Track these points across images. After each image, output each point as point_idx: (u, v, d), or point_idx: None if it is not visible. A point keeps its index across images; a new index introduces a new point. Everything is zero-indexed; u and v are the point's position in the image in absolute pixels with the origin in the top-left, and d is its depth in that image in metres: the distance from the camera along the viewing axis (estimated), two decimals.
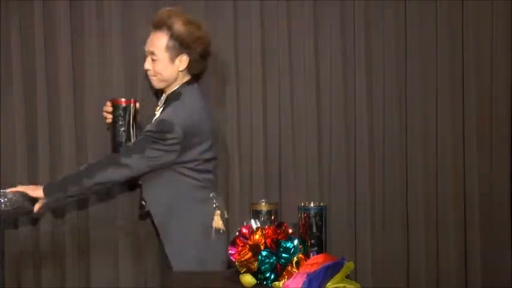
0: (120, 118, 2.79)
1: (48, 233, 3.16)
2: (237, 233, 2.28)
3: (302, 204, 2.53)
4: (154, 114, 2.89)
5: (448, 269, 3.34)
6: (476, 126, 3.35)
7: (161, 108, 2.87)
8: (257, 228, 2.26)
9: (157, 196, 2.78)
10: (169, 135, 2.68)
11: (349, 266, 2.22)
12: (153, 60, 2.81)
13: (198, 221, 2.77)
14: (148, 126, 2.77)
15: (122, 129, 2.78)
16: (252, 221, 2.33)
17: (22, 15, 3.18)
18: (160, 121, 2.72)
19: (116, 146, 2.80)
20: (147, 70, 2.86)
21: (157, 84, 2.87)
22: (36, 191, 2.68)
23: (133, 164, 2.69)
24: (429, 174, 3.35)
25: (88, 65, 3.21)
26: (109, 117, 2.85)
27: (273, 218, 2.48)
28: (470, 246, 3.36)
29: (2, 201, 2.57)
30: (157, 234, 2.87)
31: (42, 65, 3.17)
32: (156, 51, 2.79)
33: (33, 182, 3.12)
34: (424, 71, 3.35)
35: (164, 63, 2.80)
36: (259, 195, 3.17)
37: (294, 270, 2.21)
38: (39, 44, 3.17)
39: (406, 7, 3.33)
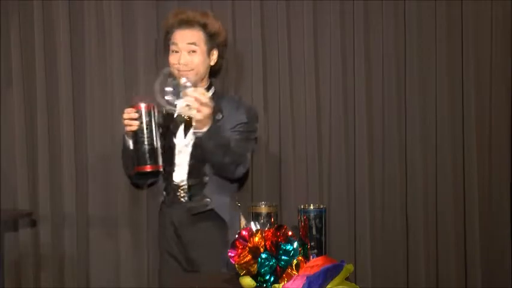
0: (146, 124, 2.65)
1: (47, 235, 3.17)
2: (237, 236, 2.28)
3: (302, 207, 2.52)
4: (181, 115, 2.80)
5: (447, 272, 3.34)
6: (476, 126, 3.36)
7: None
8: (257, 231, 2.25)
9: (222, 193, 2.78)
10: (257, 125, 2.85)
11: (348, 268, 2.21)
12: (191, 53, 2.79)
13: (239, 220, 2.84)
14: (235, 119, 2.77)
15: (148, 135, 2.65)
16: (252, 223, 2.32)
17: (22, 15, 3.17)
18: (250, 109, 2.83)
19: (143, 154, 2.65)
20: (179, 65, 2.78)
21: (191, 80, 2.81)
22: (201, 124, 2.60)
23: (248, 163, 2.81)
24: (429, 174, 3.35)
25: (87, 65, 3.21)
26: (135, 124, 2.66)
27: (272, 220, 2.48)
28: (470, 247, 3.36)
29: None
30: (176, 234, 2.84)
31: (41, 65, 3.17)
32: (197, 43, 2.79)
33: (33, 181, 3.15)
34: (423, 71, 3.35)
35: (203, 57, 2.81)
36: (258, 197, 3.17)
37: (294, 272, 2.21)
38: (38, 44, 3.17)
39: (406, 7, 3.33)
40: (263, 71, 3.27)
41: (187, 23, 2.80)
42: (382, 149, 3.34)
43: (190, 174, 2.79)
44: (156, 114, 2.68)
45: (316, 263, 2.21)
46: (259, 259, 2.20)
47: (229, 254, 2.27)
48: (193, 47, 2.78)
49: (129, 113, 2.66)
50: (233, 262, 2.26)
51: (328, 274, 2.15)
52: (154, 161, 2.66)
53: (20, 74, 3.17)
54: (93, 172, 3.21)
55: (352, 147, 3.32)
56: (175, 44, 2.80)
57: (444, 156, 3.35)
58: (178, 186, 2.81)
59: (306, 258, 2.27)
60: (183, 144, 2.81)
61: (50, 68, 3.19)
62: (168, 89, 2.58)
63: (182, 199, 2.82)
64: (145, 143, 2.64)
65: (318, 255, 2.42)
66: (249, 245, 2.23)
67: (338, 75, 3.31)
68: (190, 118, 2.68)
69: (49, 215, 3.16)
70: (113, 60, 3.20)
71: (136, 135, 2.65)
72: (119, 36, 3.20)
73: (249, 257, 2.22)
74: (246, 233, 2.26)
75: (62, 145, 3.19)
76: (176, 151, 2.81)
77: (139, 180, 2.93)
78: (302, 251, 2.25)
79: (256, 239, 2.22)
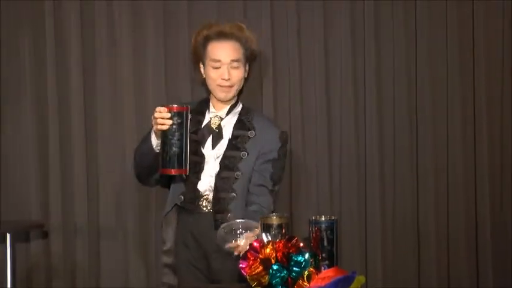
0: (177, 126, 2.47)
1: (59, 246, 3.17)
2: (248, 247, 2.28)
3: (313, 218, 2.51)
4: (209, 126, 2.79)
5: (459, 282, 3.32)
6: (487, 129, 3.35)
7: (230, 120, 2.81)
8: (268, 242, 2.25)
9: (238, 209, 2.74)
10: (287, 147, 2.81)
11: (360, 279, 2.21)
12: (233, 69, 2.75)
13: None
14: (269, 140, 2.74)
15: (178, 138, 2.48)
16: (263, 234, 2.32)
17: (32, 18, 3.19)
18: (282, 133, 2.79)
19: (171, 158, 2.49)
20: (222, 81, 2.74)
21: (230, 95, 2.77)
22: None
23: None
24: (440, 184, 3.34)
25: (98, 74, 3.23)
26: (167, 124, 2.47)
27: (283, 231, 2.47)
28: (481, 256, 3.35)
29: None
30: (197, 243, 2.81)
31: (52, 75, 3.19)
32: (240, 59, 2.76)
33: (44, 192, 3.16)
34: (434, 71, 3.35)
35: (243, 72, 2.78)
36: None
37: (305, 284, 2.20)
38: (50, 53, 3.19)
39: (416, 7, 3.34)
40: (273, 73, 3.27)
41: (227, 36, 2.76)
42: (393, 159, 3.33)
43: (217, 187, 2.75)
44: (189, 118, 2.51)
45: (327, 275, 2.20)
46: (271, 270, 2.19)
47: (241, 265, 2.27)
48: (235, 64, 2.75)
49: (161, 112, 2.49)
50: (244, 274, 2.26)
51: (340, 285, 2.14)
52: (181, 164, 2.50)
53: (30, 84, 3.19)
54: (104, 183, 3.22)
55: (363, 157, 3.31)
56: (217, 60, 2.75)
57: (455, 166, 3.35)
58: (201, 196, 2.79)
59: (317, 269, 2.26)
60: (211, 155, 2.78)
61: (60, 77, 3.20)
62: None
63: (204, 209, 2.79)
64: (174, 146, 2.48)
65: (329, 266, 2.41)
66: (260, 256, 2.22)
67: (348, 81, 3.32)
68: (219, 129, 2.74)
69: (60, 225, 3.17)
70: (123, 64, 3.21)
71: (166, 136, 2.50)
72: (129, 40, 3.21)
73: (260, 268, 2.21)
74: (257, 245, 2.26)
75: (73, 156, 3.20)
76: (204, 161, 2.78)
77: (149, 179, 2.80)
78: (313, 262, 2.25)
79: (268, 250, 2.22)
